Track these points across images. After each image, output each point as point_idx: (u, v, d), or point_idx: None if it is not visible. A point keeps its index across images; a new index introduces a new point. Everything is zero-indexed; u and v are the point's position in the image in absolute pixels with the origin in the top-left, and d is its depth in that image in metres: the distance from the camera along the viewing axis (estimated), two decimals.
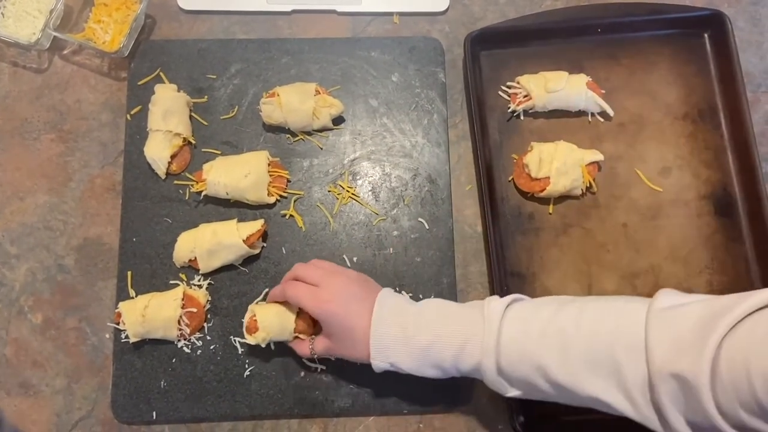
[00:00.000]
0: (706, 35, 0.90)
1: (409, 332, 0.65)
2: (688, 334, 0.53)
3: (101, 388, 0.79)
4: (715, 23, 0.88)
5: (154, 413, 0.77)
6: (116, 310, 0.77)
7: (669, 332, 0.55)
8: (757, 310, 0.52)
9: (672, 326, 0.55)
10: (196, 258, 0.78)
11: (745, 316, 0.52)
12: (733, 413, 0.51)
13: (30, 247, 0.83)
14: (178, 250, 0.79)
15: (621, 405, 0.58)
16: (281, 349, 0.78)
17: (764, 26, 0.92)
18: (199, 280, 0.80)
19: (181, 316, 0.76)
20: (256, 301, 0.80)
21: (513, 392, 0.65)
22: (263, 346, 0.75)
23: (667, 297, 0.58)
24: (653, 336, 0.55)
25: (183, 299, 0.77)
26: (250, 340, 0.74)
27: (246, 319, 0.76)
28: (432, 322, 0.66)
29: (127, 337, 0.77)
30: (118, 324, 0.77)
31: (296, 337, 0.75)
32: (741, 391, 0.50)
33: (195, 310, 0.77)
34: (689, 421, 0.55)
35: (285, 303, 0.75)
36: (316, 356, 0.74)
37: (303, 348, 0.74)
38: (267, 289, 0.80)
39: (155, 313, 0.75)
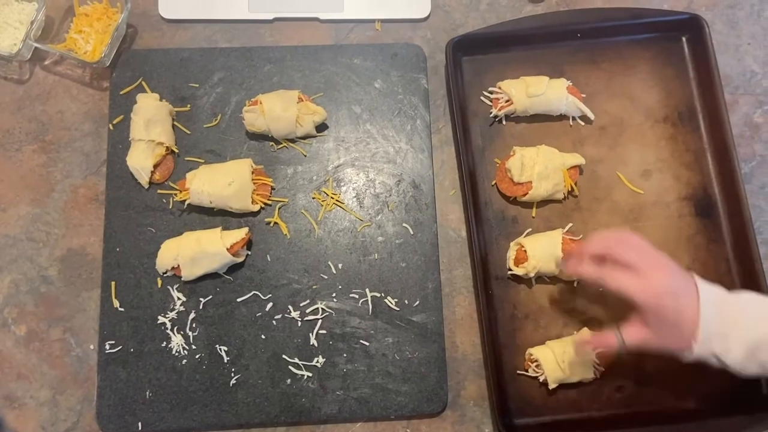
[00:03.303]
0: (684, 39, 0.91)
1: (743, 326, 0.65)
2: None
3: (86, 400, 0.79)
4: (693, 27, 0.89)
5: (140, 424, 0.76)
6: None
7: None
8: None
9: None
10: (179, 265, 0.78)
11: None
12: None
13: (13, 259, 0.83)
14: (161, 257, 0.79)
15: None
16: (267, 355, 0.78)
17: (741, 29, 0.94)
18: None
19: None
20: (516, 240, 0.82)
21: None
22: (532, 275, 0.79)
23: None
24: None
25: None
26: (518, 271, 0.79)
27: (512, 253, 0.81)
28: (759, 320, 0.65)
29: (111, 347, 0.77)
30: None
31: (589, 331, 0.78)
32: None
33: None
34: None
35: (547, 234, 0.80)
36: (624, 351, 0.70)
37: (609, 340, 0.70)
38: (529, 229, 0.83)
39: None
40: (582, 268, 0.71)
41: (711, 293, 0.67)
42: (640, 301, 0.66)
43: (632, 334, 0.69)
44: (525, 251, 0.79)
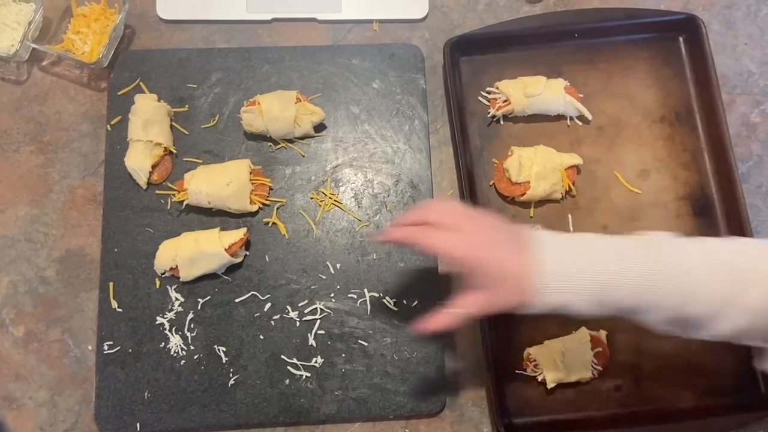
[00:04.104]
0: (681, 39, 0.91)
1: (579, 269, 0.59)
2: None
3: (85, 400, 0.79)
4: (690, 27, 0.89)
5: (138, 425, 0.76)
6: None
7: None
8: None
9: None
10: (177, 266, 0.78)
11: None
12: None
13: (11, 260, 0.83)
14: (159, 258, 0.79)
15: None
16: (266, 356, 0.78)
17: (738, 29, 0.94)
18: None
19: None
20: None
21: (693, 333, 0.61)
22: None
23: None
24: None
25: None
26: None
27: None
28: (606, 258, 0.59)
29: (110, 348, 0.77)
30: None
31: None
32: None
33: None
34: None
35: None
36: (473, 314, 0.63)
37: (444, 320, 0.63)
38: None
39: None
40: (390, 233, 0.65)
41: (548, 242, 0.61)
42: (456, 258, 0.61)
43: (470, 302, 0.62)
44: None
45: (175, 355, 0.78)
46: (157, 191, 0.84)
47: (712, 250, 0.62)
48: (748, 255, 0.62)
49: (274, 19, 0.92)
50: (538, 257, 0.60)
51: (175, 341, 0.79)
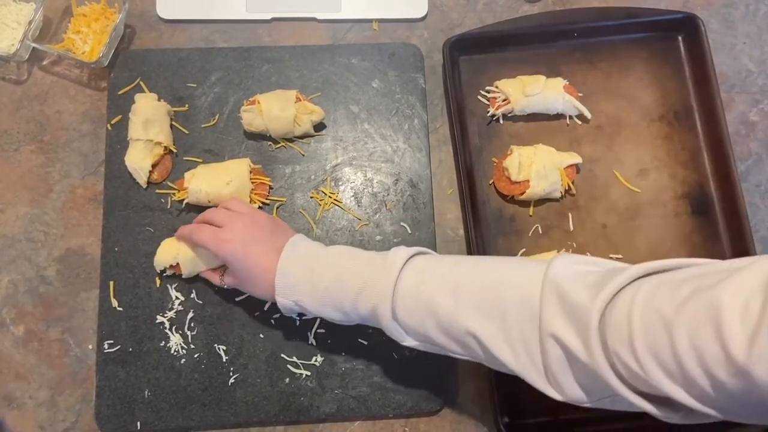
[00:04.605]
0: (680, 38, 0.91)
1: (315, 272, 0.67)
2: (577, 299, 0.54)
3: (85, 400, 0.79)
4: (689, 26, 0.89)
5: (139, 423, 0.76)
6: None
7: (559, 299, 0.55)
8: (646, 276, 0.53)
9: (563, 294, 0.55)
10: (178, 263, 0.78)
11: (632, 282, 0.53)
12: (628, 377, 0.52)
13: (11, 259, 0.83)
14: (159, 255, 0.79)
15: (501, 349, 0.58)
16: (266, 355, 0.79)
17: (737, 28, 0.94)
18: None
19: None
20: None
21: (409, 341, 0.65)
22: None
23: (562, 265, 0.57)
24: (545, 302, 0.56)
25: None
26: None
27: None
28: (336, 264, 0.67)
29: (110, 347, 0.78)
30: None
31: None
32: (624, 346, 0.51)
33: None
34: (579, 382, 0.56)
35: None
36: (225, 286, 0.77)
37: (214, 277, 0.77)
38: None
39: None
40: (182, 229, 0.77)
41: (287, 251, 0.68)
42: (213, 250, 0.72)
43: (227, 279, 0.76)
44: None
45: (175, 353, 0.79)
46: (157, 190, 0.84)
47: (441, 272, 0.63)
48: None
49: (274, 19, 0.92)
50: (282, 260, 0.68)
51: (175, 340, 0.79)
